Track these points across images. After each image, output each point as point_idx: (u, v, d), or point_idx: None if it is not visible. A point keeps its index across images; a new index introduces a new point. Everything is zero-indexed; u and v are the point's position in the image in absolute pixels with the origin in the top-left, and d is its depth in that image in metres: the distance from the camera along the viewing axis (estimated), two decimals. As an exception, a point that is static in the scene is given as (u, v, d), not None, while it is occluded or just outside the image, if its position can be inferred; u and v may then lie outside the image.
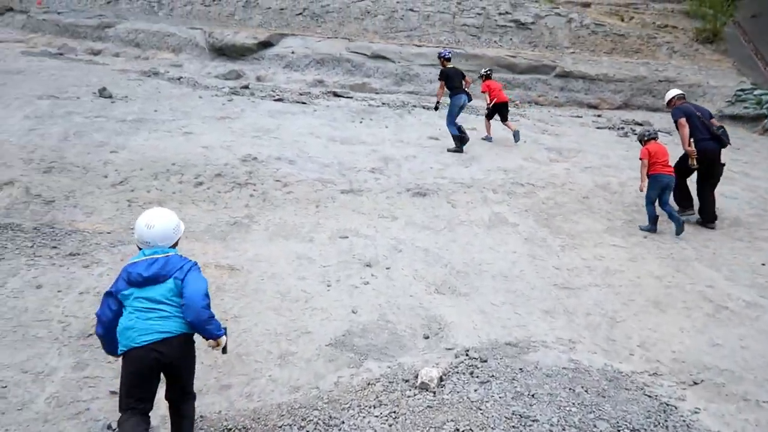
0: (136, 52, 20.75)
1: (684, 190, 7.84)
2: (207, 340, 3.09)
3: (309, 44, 17.92)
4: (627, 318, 5.29)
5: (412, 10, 19.87)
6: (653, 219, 7.33)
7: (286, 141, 9.53)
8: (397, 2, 20.34)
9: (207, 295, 3.06)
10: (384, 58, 17.00)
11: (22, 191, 7.44)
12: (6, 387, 3.90)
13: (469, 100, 10.26)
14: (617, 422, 3.39)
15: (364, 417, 3.53)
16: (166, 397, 3.22)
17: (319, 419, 3.53)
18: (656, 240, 7.18)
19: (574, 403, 3.57)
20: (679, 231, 7.17)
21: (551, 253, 6.63)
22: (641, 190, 7.35)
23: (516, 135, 10.95)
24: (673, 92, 8.02)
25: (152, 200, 7.46)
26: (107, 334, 3.09)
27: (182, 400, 3.21)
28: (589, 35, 19.08)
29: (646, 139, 7.48)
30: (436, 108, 10.65)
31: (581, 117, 14.95)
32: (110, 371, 4.13)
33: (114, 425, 3.51)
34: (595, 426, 3.33)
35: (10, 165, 7.92)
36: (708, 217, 7.56)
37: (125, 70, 17.18)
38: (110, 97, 12.19)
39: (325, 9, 20.80)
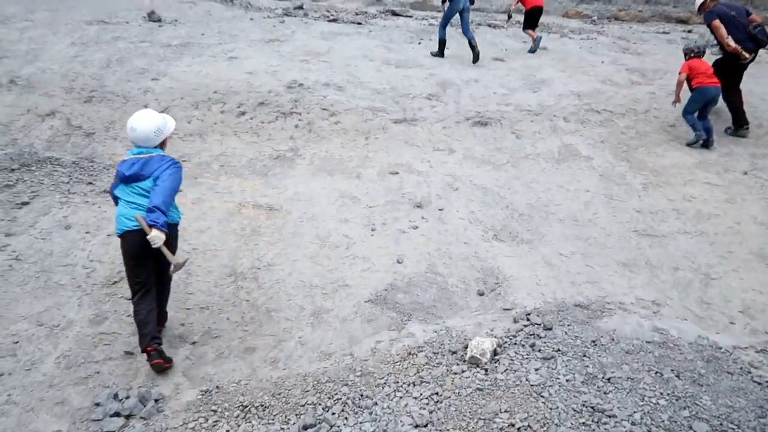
0: (192, -27, 19.98)
1: (737, 103, 7.15)
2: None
3: (367, -41, 16.56)
4: (725, 275, 4.40)
5: None
6: (694, 126, 6.80)
7: (336, 65, 8.70)
8: None
9: (171, 193, 3.44)
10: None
11: (63, 122, 7.11)
12: (18, 342, 3.57)
13: (471, 3, 9.69)
14: (720, 423, 2.64)
15: (400, 398, 2.95)
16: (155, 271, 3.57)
17: (348, 398, 2.98)
18: (759, 177, 6.06)
19: (662, 394, 2.83)
20: (709, 144, 6.84)
21: (631, 193, 5.68)
22: (674, 105, 7.02)
23: (533, 49, 10.37)
24: None
25: (192, 131, 6.97)
26: None
27: (164, 274, 3.62)
28: (681, -62, 16.66)
29: (692, 55, 6.96)
30: (443, 2, 9.73)
31: (668, 33, 13.16)
32: (129, 326, 3.73)
33: (121, 394, 3.12)
34: (690, 428, 2.60)
35: (51, 94, 7.57)
36: (742, 122, 7.11)
37: (178, -7, 16.52)
38: (159, 20, 11.62)
39: None
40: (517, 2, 10.86)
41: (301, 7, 14.29)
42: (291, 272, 4.38)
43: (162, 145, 3.60)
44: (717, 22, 6.80)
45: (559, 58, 9.85)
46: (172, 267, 3.42)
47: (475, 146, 6.78)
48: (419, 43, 10.73)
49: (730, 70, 6.94)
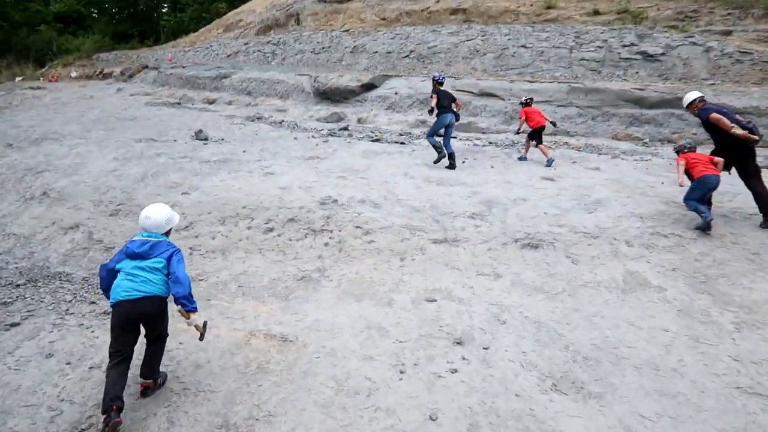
0: (247, 99, 20.94)
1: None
2: (180, 310, 3.70)
3: (413, 84, 16.89)
4: None
5: (524, 46, 18.30)
6: (698, 211, 6.72)
7: (374, 182, 8.23)
8: (508, 39, 18.90)
9: (187, 277, 3.78)
10: (492, 95, 15.50)
11: (84, 236, 6.71)
12: None
13: (457, 119, 10.37)
14: None
15: None
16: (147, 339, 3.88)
17: None
18: None
19: None
20: (705, 227, 6.67)
21: (722, 335, 4.60)
22: (680, 185, 6.95)
23: (549, 162, 10.60)
24: (694, 94, 7.44)
25: (215, 248, 6.40)
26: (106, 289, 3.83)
27: (156, 339, 3.90)
28: (732, 65, 16.35)
29: (685, 151, 7.16)
30: (431, 112, 10.21)
31: (728, 155, 12.37)
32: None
33: None
34: None
35: (80, 207, 7.29)
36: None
37: (232, 116, 17.12)
38: (206, 139, 11.73)
39: (432, 50, 19.83)
40: (523, 123, 11.36)
41: (346, 128, 14.36)
42: (295, 427, 3.45)
43: (167, 234, 4.04)
44: (716, 115, 6.78)
45: (614, 179, 9.12)
46: (201, 337, 3.94)
47: (525, 271, 5.91)
48: (463, 162, 10.28)
49: (741, 161, 6.95)
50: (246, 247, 6.41)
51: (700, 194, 6.84)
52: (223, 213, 6.92)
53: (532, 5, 21.67)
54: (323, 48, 22.59)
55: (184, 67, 26.32)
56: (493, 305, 5.16)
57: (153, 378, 3.84)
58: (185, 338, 4.47)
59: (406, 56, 20.06)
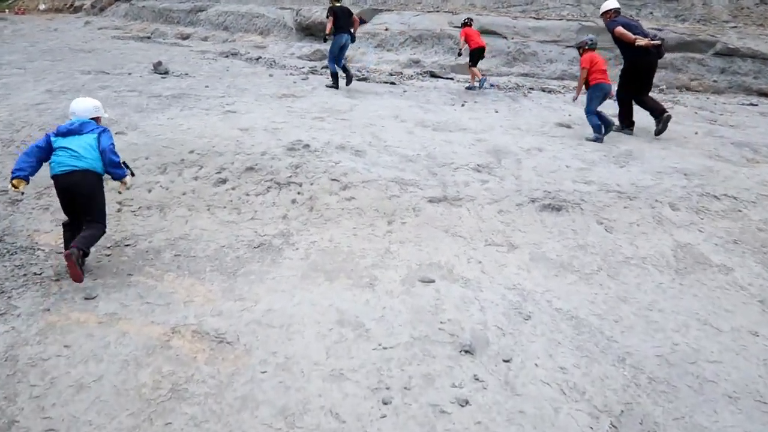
0: (224, 35, 18.94)
1: (629, 110, 7.43)
2: (116, 181, 4.06)
3: (405, 20, 15.03)
4: None
5: (527, -19, 16.41)
6: (598, 127, 6.80)
7: (357, 124, 6.70)
8: (511, -27, 16.96)
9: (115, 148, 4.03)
10: (494, 33, 13.75)
11: (-14, 184, 5.18)
12: None
13: (352, 40, 9.81)
14: None
15: None
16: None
17: None
18: None
19: None
20: (607, 131, 6.85)
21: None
22: (574, 100, 7.39)
23: (482, 82, 10.59)
24: (611, 4, 7.31)
25: (151, 203, 4.93)
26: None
27: (88, 223, 3.88)
28: (756, 6, 14.69)
29: (586, 47, 7.06)
30: (325, 40, 9.93)
31: (756, 105, 10.92)
32: None
33: None
34: None
35: (-16, 148, 5.72)
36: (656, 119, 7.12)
37: (205, 51, 15.25)
38: (166, 73, 10.02)
39: (427, -16, 17.84)
40: (465, 43, 10.78)
41: (329, 66, 12.62)
42: None
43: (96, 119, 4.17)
44: (621, 29, 6.82)
45: (639, 127, 7.66)
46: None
47: (547, 241, 4.52)
48: (462, 105, 8.74)
49: (639, 72, 7.09)
50: (190, 202, 4.94)
51: (599, 103, 6.82)
52: (165, 158, 5.40)
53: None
54: (308, -19, 20.41)
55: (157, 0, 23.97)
56: (511, 290, 3.78)
57: (79, 247, 3.69)
58: (73, 339, 3.06)
59: (397, -10, 18.05)
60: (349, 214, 4.79)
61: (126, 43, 17.12)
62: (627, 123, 7.41)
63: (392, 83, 10.70)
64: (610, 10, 7.24)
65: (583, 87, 7.11)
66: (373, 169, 5.33)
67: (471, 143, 6.29)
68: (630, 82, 7.16)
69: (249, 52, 15.14)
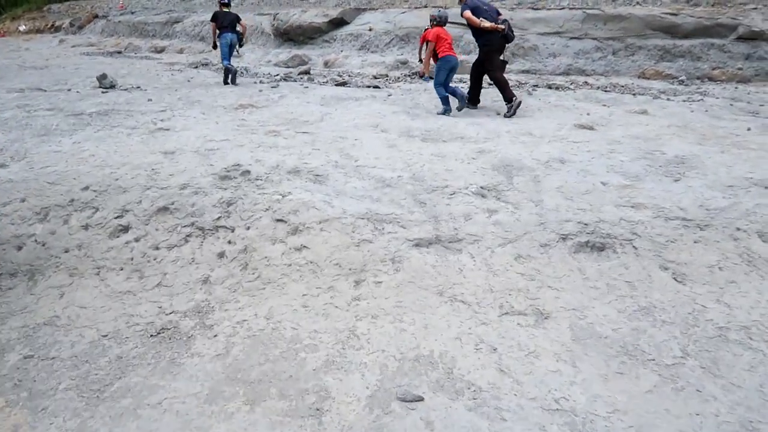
0: (200, 46, 17.47)
1: (478, 89, 7.62)
2: None
3: (391, 18, 13.51)
4: None
5: (522, -29, 14.89)
6: (445, 99, 6.89)
7: (324, 138, 5.12)
8: (504, -37, 15.45)
9: None
10: (489, 27, 12.24)
11: None
12: None
13: (239, 41, 10.15)
14: None
15: None
16: None
17: None
18: None
19: None
20: (461, 107, 6.93)
21: None
22: (421, 76, 7.28)
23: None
24: None
25: (17, 268, 3.37)
26: None
27: None
28: (777, -16, 13.16)
29: (434, 23, 7.00)
30: (215, 47, 10.31)
31: (795, 93, 9.35)
32: None
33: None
34: None
35: None
36: (471, 101, 7.38)
37: (174, 63, 13.77)
38: (111, 86, 8.49)
39: (415, -20, 16.34)
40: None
41: (307, 72, 11.10)
42: None
43: None
44: (468, 13, 6.89)
45: (678, 125, 6.08)
46: None
47: (593, 303, 2.96)
48: (457, 110, 7.18)
49: (490, 53, 7.09)
50: (74, 263, 3.38)
51: (445, 75, 6.83)
52: (48, 199, 3.83)
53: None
54: (288, -16, 18.93)
55: (133, 13, 22.54)
56: (553, 413, 2.20)
57: None
58: None
59: (383, -12, 16.54)
60: (298, 272, 3.22)
61: (93, 59, 15.62)
62: (473, 101, 7.59)
63: (376, 87, 9.15)
64: None
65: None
66: (336, 201, 3.75)
67: (471, 156, 4.71)
68: (481, 62, 7.29)
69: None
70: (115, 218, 3.65)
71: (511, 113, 6.73)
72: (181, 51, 17.55)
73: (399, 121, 6.08)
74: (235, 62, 10.44)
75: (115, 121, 5.67)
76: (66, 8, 32.66)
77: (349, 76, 10.90)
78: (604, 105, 7.72)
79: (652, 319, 2.83)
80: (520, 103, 6.88)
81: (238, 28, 10.06)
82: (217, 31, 9.87)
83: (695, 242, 3.42)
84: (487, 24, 6.81)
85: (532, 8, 12.65)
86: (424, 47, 7.03)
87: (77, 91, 7.87)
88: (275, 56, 13.76)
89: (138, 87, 8.71)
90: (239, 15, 10.64)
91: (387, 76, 10.74)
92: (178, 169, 4.10)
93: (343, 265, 3.25)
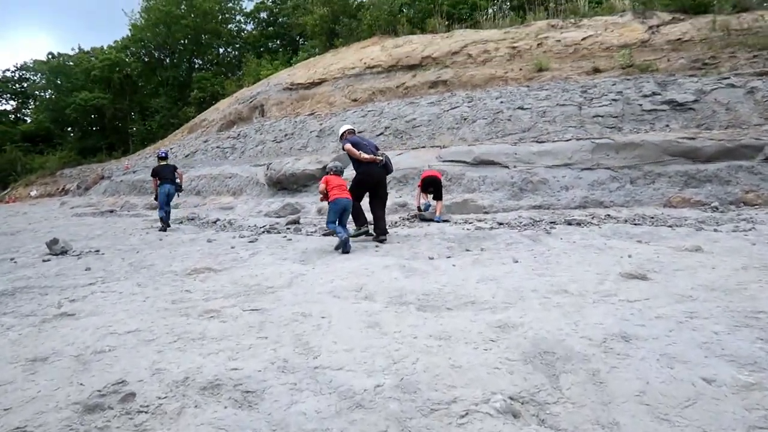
0: (196, 200, 16.83)
1: (359, 211, 7.92)
2: None
3: (387, 161, 12.77)
4: None
5: (521, 108, 14.46)
6: (340, 232, 6.91)
7: (279, 317, 3.61)
8: (501, 102, 15.11)
9: None
10: (492, 163, 11.33)
11: None
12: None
13: (177, 189, 11.15)
14: None
15: None
16: None
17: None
18: None
19: None
20: (341, 247, 6.76)
21: None
22: (321, 201, 7.44)
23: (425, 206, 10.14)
24: (344, 127, 8.22)
25: None
26: None
27: None
28: (790, 104, 12.45)
29: (331, 173, 7.43)
30: (156, 199, 11.12)
31: None
32: None
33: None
34: None
35: None
36: (380, 232, 7.47)
37: (157, 220, 12.83)
38: (62, 252, 7.29)
39: (411, 124, 16.01)
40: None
41: (296, 222, 9.98)
42: None
43: None
44: (349, 146, 7.54)
45: (755, 265, 4.59)
46: None
47: None
48: (466, 252, 5.78)
49: (365, 182, 7.76)
50: None
51: (335, 216, 7.11)
52: None
53: (521, 70, 18.16)
54: (286, 135, 18.82)
55: (134, 172, 22.49)
56: None
57: None
58: None
59: (380, 134, 16.18)
60: None
61: (81, 219, 14.86)
62: (359, 224, 7.89)
63: (367, 234, 7.89)
64: (344, 131, 8.13)
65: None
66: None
67: (488, 337, 3.17)
68: (358, 189, 7.77)
69: (208, 215, 12.71)
70: None
71: (356, 235, 7.54)
72: (176, 206, 16.88)
73: (390, 281, 4.63)
74: (221, 214, 9.41)
75: (17, 303, 4.27)
76: (78, 172, 33.43)
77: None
78: (642, 242, 6.32)
79: None
80: (366, 232, 7.66)
81: (177, 179, 11.13)
82: (158, 182, 10.95)
83: None
84: (366, 156, 7.44)
85: (536, 141, 11.85)
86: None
87: (14, 261, 6.62)
88: (267, 206, 12.84)
89: (96, 251, 7.49)
90: (176, 165, 12.05)
91: (383, 221, 9.57)
92: (28, 394, 2.56)
93: None
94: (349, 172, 9.08)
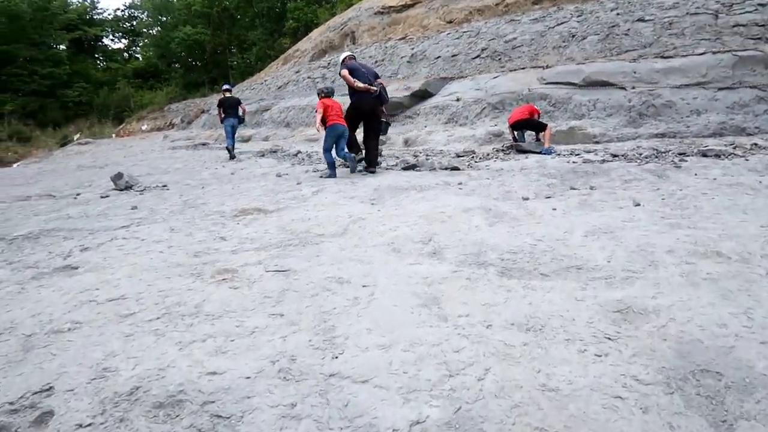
0: (285, 132, 16.35)
1: (353, 140, 7.70)
2: None
3: (482, 85, 11.28)
4: None
5: (641, 20, 12.08)
6: (332, 165, 7.05)
7: (310, 283, 2.71)
8: (617, 14, 12.78)
9: None
10: (606, 84, 9.53)
11: None
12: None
13: (240, 122, 11.98)
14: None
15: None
16: None
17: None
18: None
19: None
20: (353, 170, 7.10)
21: None
22: (318, 131, 7.12)
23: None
24: (345, 53, 7.85)
25: None
26: None
27: None
28: None
29: (322, 95, 7.33)
30: (222, 121, 11.90)
31: None
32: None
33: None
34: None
35: None
36: (369, 164, 7.29)
37: (244, 152, 12.47)
38: (126, 187, 6.91)
39: (511, 44, 14.12)
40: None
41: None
42: None
43: None
44: (345, 72, 7.13)
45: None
46: None
47: None
48: (571, 189, 4.54)
49: (359, 111, 7.31)
50: None
51: (332, 141, 7.04)
52: None
53: (644, -26, 15.35)
54: (376, 62, 17.57)
55: (229, 106, 22.49)
56: None
57: None
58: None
59: (476, 56, 14.50)
60: None
61: (174, 152, 14.96)
62: (354, 151, 7.65)
63: (454, 168, 6.76)
64: (345, 56, 7.68)
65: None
66: None
67: (602, 332, 2.06)
68: (351, 118, 7.42)
69: (292, 147, 12.12)
70: None
71: (353, 169, 7.20)
72: (266, 138, 16.53)
73: (469, 230, 3.56)
74: (305, 146, 8.69)
75: (31, 249, 3.72)
76: (183, 106, 34.44)
77: (427, 155, 8.64)
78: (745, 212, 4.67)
79: None
80: (361, 160, 7.39)
81: (240, 113, 11.72)
82: (223, 115, 11.60)
83: None
84: (360, 84, 7.04)
85: (661, 57, 9.79)
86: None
87: (76, 197, 6.28)
88: (351, 138, 12.00)
89: (164, 186, 7.05)
90: (240, 99, 12.33)
91: (473, 152, 8.33)
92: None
93: None
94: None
